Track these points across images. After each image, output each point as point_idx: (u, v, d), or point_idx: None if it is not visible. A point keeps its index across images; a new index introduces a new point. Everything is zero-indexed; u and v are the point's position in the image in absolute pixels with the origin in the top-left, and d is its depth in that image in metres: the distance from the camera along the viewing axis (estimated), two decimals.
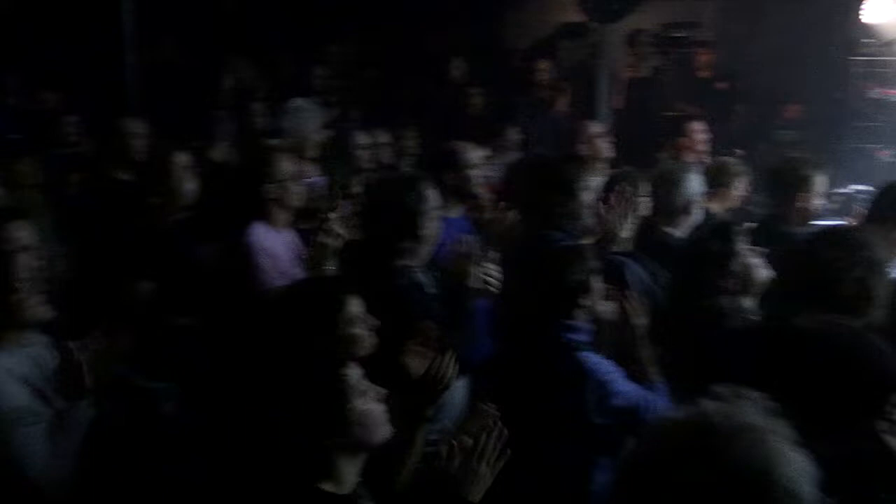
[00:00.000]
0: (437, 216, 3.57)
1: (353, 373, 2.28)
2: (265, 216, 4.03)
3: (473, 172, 4.51)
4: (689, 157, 5.71)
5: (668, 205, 4.44)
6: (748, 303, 3.41)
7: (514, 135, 6.64)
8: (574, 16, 8.55)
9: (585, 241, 3.88)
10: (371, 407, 2.28)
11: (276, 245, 3.99)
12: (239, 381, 2.86)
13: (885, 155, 7.47)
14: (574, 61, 9.11)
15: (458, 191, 4.41)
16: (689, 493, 1.50)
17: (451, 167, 4.44)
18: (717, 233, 3.61)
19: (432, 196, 3.56)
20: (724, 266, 3.39)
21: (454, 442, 2.35)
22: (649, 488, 1.54)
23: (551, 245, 3.60)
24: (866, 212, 4.25)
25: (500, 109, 7.70)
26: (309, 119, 5.28)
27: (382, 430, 2.30)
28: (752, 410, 1.57)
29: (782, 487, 1.49)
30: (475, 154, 4.59)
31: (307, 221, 4.02)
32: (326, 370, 2.27)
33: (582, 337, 3.19)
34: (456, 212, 4.37)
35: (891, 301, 2.90)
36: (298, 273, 3.77)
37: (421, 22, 9.14)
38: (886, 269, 2.95)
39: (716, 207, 4.89)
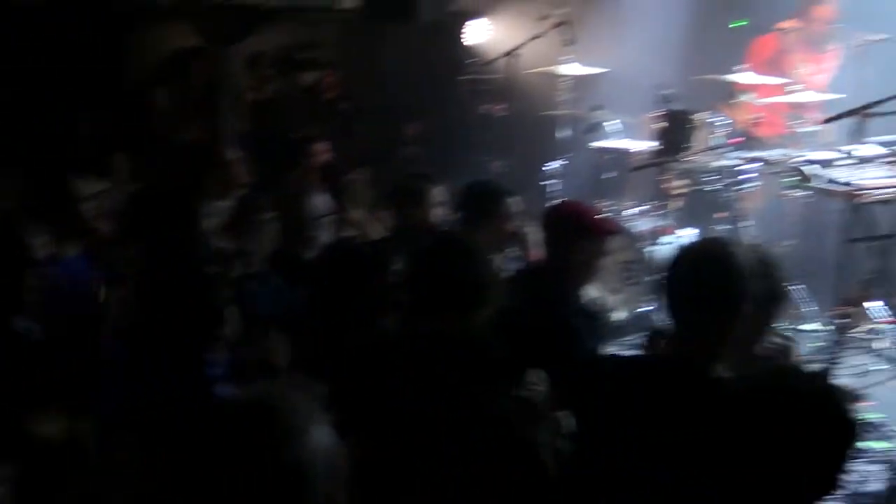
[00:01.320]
0: (41, 260, 3.33)
1: None
2: None
3: (88, 206, 4.25)
4: (315, 179, 5.78)
5: (297, 226, 4.47)
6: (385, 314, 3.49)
7: (125, 163, 6.35)
8: (197, 40, 8.36)
9: (215, 268, 3.79)
10: None
11: None
12: None
13: (495, 166, 8.06)
14: (198, 86, 8.90)
15: (73, 228, 4.12)
16: (219, 469, 1.67)
17: (63, 203, 4.15)
18: (368, 244, 3.69)
19: (34, 239, 3.30)
20: (376, 273, 3.45)
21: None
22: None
23: (178, 276, 3.46)
24: (458, 216, 4.53)
25: (116, 139, 7.31)
26: None
27: None
28: (288, 393, 1.74)
29: (285, 462, 1.65)
30: (89, 187, 4.33)
31: None
32: None
33: (219, 370, 3.09)
34: (73, 250, 4.08)
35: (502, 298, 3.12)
36: None
37: (22, 50, 8.44)
38: (496, 269, 3.16)
39: (345, 226, 5.00)
